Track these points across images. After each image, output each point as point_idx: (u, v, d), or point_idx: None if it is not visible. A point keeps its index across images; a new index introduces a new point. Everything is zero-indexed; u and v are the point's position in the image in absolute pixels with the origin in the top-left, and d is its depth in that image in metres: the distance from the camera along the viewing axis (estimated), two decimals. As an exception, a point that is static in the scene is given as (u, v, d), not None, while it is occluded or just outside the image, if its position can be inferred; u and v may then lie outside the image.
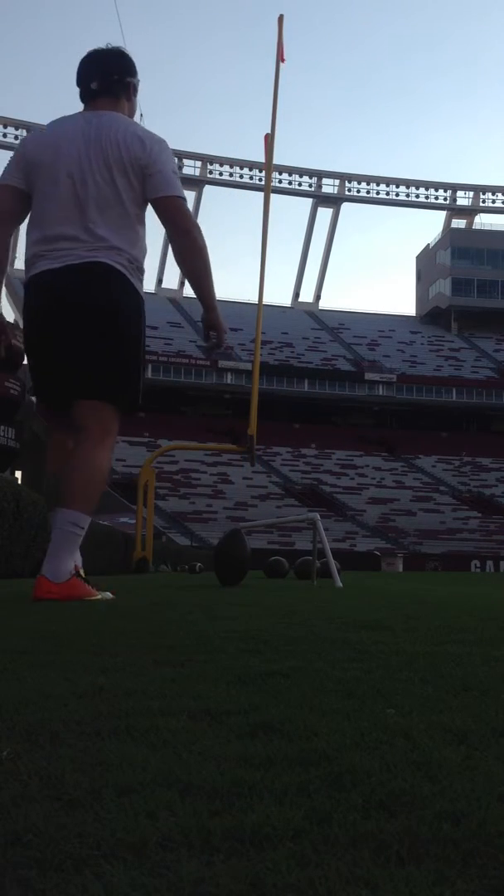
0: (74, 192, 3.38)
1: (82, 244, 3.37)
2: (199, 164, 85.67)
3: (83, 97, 3.70)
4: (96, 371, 3.57)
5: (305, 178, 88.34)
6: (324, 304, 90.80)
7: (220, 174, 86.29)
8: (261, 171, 78.70)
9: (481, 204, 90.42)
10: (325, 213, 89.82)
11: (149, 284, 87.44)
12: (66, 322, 3.43)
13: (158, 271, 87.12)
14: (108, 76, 3.65)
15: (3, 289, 3.81)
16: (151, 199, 3.54)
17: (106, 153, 3.42)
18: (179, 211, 3.57)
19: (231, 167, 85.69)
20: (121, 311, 3.55)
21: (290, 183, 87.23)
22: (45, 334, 3.49)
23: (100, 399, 3.63)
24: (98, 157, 3.42)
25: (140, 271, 3.69)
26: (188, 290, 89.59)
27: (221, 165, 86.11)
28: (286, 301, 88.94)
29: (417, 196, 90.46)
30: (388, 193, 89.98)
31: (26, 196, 3.52)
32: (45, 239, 3.42)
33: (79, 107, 3.82)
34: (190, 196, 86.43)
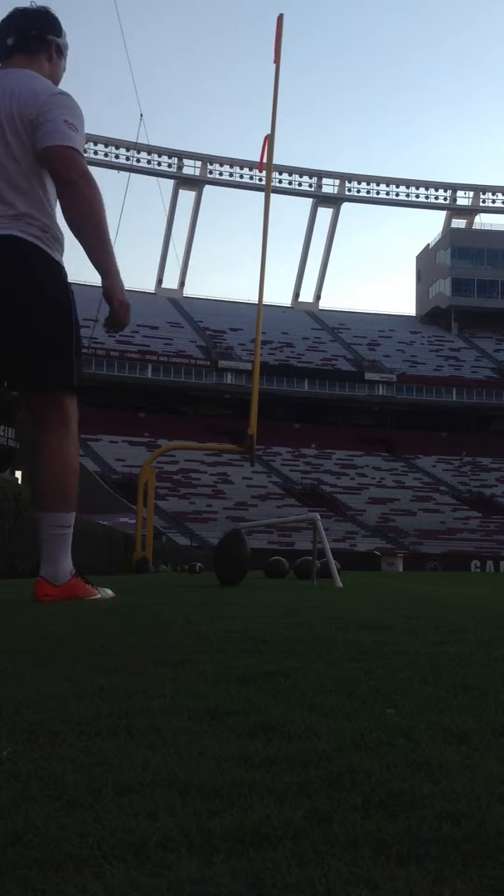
0: None
1: None
2: (199, 164, 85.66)
3: (0, 55, 3.47)
4: (36, 360, 3.30)
5: (305, 178, 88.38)
6: (324, 304, 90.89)
7: (220, 174, 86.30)
8: (259, 172, 78.75)
9: (481, 204, 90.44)
10: (325, 213, 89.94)
11: (149, 284, 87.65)
12: None
13: (158, 271, 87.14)
14: (24, 32, 3.45)
15: None
16: (39, 153, 3.16)
17: (11, 119, 3.18)
18: (64, 159, 3.13)
19: (231, 167, 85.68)
20: (45, 291, 3.27)
21: (290, 183, 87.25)
22: None
23: (47, 388, 3.41)
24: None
25: (57, 241, 3.34)
26: (188, 290, 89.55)
27: (221, 165, 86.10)
28: (286, 301, 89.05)
29: (417, 196, 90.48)
30: (388, 193, 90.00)
31: None
32: None
33: None
34: (190, 196, 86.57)
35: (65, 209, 3.24)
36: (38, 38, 3.48)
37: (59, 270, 3.33)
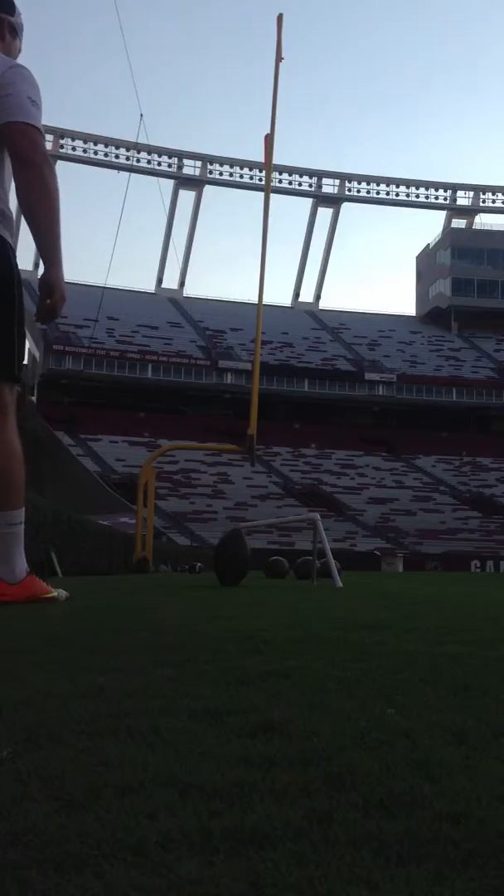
0: None
1: None
2: (199, 164, 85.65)
3: None
4: None
5: (305, 178, 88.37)
6: (324, 304, 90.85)
7: (220, 174, 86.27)
8: (261, 171, 78.67)
9: (481, 204, 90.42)
10: (325, 213, 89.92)
11: (149, 284, 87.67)
12: None
13: (158, 271, 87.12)
14: None
15: None
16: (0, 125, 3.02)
17: None
18: (27, 139, 3.02)
19: (231, 167, 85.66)
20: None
21: (290, 183, 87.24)
22: None
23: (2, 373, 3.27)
24: None
25: (6, 218, 3.19)
26: (188, 290, 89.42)
27: (221, 165, 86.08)
28: (286, 301, 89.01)
29: (417, 196, 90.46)
30: (388, 193, 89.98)
31: None
32: None
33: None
34: (189, 196, 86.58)
35: (21, 190, 3.12)
36: None
37: (6, 249, 3.17)
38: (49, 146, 79.52)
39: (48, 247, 3.12)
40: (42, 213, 3.08)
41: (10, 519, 3.43)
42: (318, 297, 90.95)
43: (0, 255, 3.16)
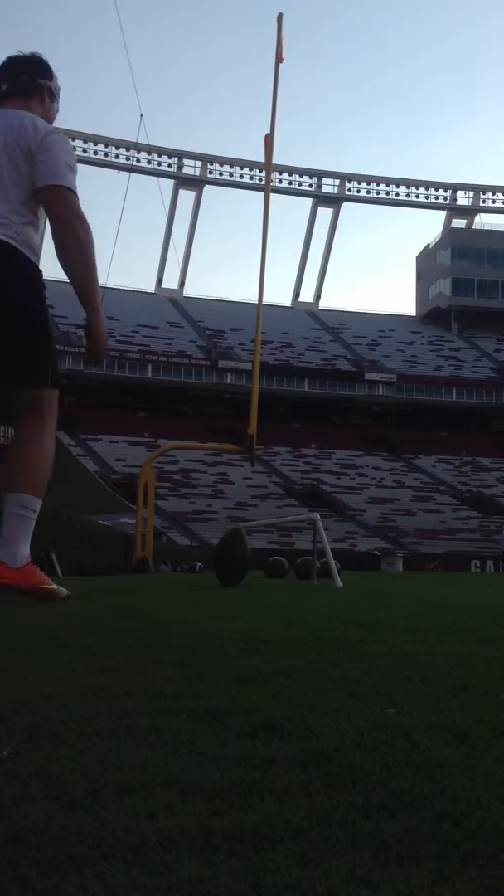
0: None
1: None
2: (199, 164, 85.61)
3: None
4: (14, 359, 3.45)
5: (305, 178, 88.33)
6: (324, 304, 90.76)
7: (220, 174, 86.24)
8: (261, 171, 78.61)
9: (481, 204, 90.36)
10: (325, 213, 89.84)
11: (149, 284, 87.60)
12: None
13: (158, 271, 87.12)
14: (17, 77, 3.68)
15: None
16: (37, 190, 3.39)
17: (3, 144, 3.38)
18: (62, 200, 3.38)
19: (231, 167, 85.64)
20: (22, 293, 3.41)
21: (290, 183, 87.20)
22: None
23: (31, 385, 3.54)
24: None
25: (31, 249, 3.47)
26: (188, 290, 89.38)
27: (221, 165, 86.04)
28: (286, 301, 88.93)
29: (417, 196, 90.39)
30: (388, 193, 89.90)
31: None
32: None
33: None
34: (189, 196, 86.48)
35: (58, 245, 3.42)
36: (30, 83, 3.69)
37: (36, 272, 3.47)
38: (49, 146, 79.65)
39: (86, 295, 3.43)
40: (78, 265, 3.40)
41: (26, 502, 3.57)
42: (318, 297, 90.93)
43: (33, 282, 3.46)
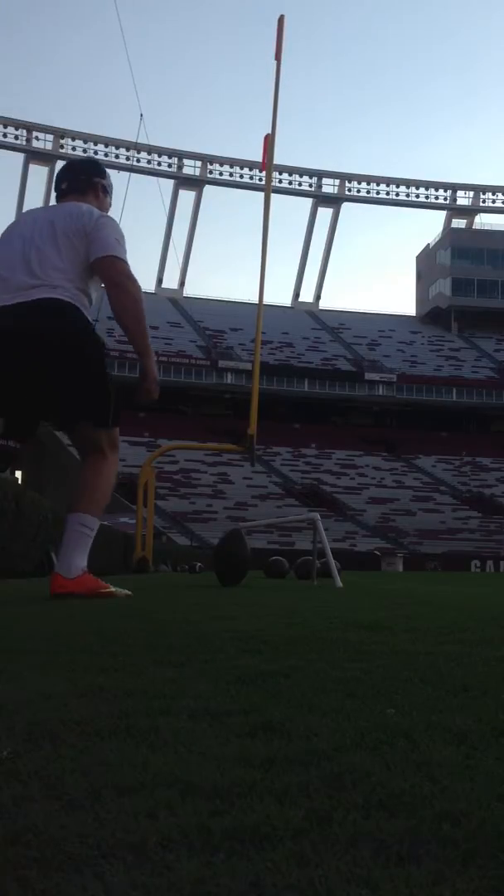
0: (24, 250, 3.87)
1: (31, 287, 3.79)
2: (199, 164, 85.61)
3: (57, 198, 4.28)
4: (78, 403, 3.97)
5: (305, 178, 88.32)
6: (324, 304, 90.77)
7: (220, 174, 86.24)
8: (261, 171, 78.65)
9: (481, 204, 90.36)
10: (325, 213, 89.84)
11: (149, 284, 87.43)
12: (31, 355, 3.72)
13: (158, 271, 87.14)
14: (75, 176, 4.29)
15: None
16: (92, 262, 3.92)
17: (55, 221, 3.97)
18: (114, 267, 3.93)
19: (231, 167, 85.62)
20: (84, 347, 3.92)
21: (290, 183, 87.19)
22: (8, 367, 3.75)
23: (95, 426, 4.03)
24: (47, 223, 3.96)
25: (86, 308, 3.99)
26: (188, 290, 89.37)
27: (221, 165, 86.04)
28: (286, 301, 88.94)
29: (417, 196, 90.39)
30: (388, 193, 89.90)
31: None
32: (5, 286, 3.81)
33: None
34: (189, 196, 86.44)
35: (113, 304, 3.93)
36: (86, 181, 4.28)
37: (92, 328, 3.97)
38: (49, 146, 79.72)
39: (139, 344, 3.99)
40: (131, 320, 3.95)
41: (84, 521, 4.08)
42: (318, 297, 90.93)
43: (93, 338, 3.96)
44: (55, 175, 4.43)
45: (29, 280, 3.78)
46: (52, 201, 4.49)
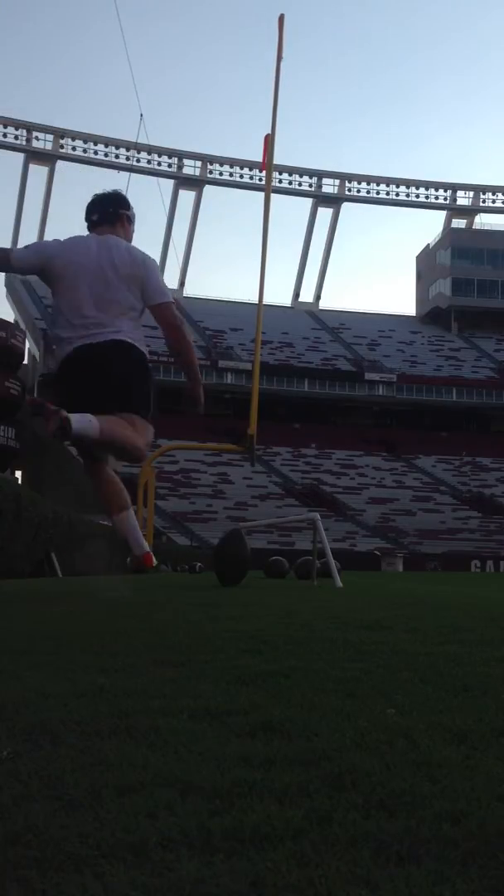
0: (94, 297, 4.66)
1: (106, 329, 4.67)
2: (199, 164, 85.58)
3: (89, 227, 4.99)
4: (132, 398, 4.77)
5: (305, 178, 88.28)
6: (324, 304, 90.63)
7: (220, 174, 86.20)
8: (261, 171, 78.60)
9: (481, 204, 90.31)
10: (325, 213, 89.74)
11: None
12: (104, 376, 4.67)
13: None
14: (104, 209, 4.93)
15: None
16: (148, 306, 4.74)
17: (110, 265, 4.65)
18: (170, 312, 4.75)
19: (231, 167, 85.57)
20: (142, 374, 4.83)
21: (290, 183, 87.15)
22: (87, 382, 4.64)
23: (139, 413, 4.74)
24: (107, 267, 4.67)
25: (141, 343, 4.83)
26: (188, 290, 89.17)
27: (221, 165, 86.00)
28: (286, 301, 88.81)
29: (417, 196, 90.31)
30: (388, 193, 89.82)
31: (34, 270, 4.86)
32: (81, 325, 4.69)
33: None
34: (189, 196, 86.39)
35: (172, 345, 4.86)
36: (114, 214, 4.93)
37: (147, 357, 4.89)
38: (49, 146, 79.69)
39: (190, 372, 4.88)
40: (185, 354, 4.89)
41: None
42: (318, 297, 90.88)
43: (147, 364, 4.82)
44: (86, 206, 5.10)
45: (101, 321, 4.67)
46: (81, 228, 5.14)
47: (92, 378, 4.73)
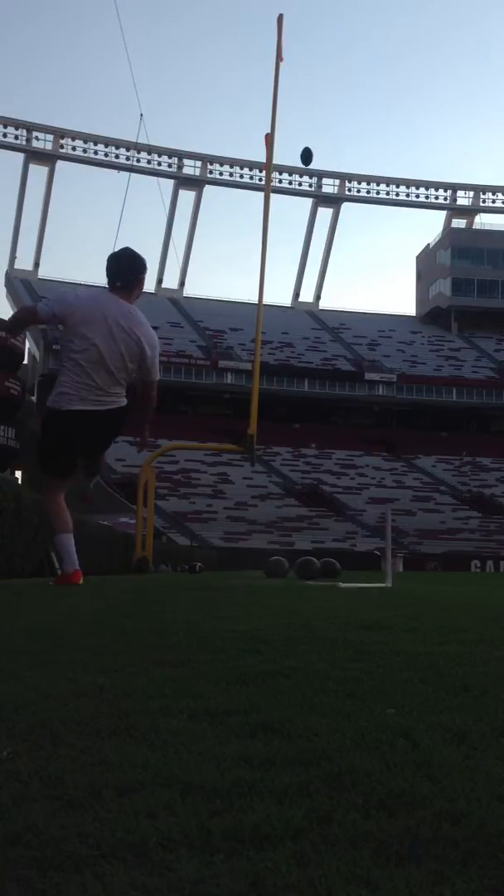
0: (108, 367, 5.55)
1: (109, 396, 5.62)
2: (199, 164, 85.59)
3: (110, 288, 5.66)
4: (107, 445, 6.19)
5: (305, 178, 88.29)
6: (324, 304, 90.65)
7: (220, 174, 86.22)
8: (261, 171, 78.55)
9: (481, 204, 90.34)
10: (325, 213, 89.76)
11: (149, 285, 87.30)
12: (95, 433, 5.76)
13: (158, 271, 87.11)
14: (125, 277, 5.65)
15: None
16: (144, 381, 5.74)
17: (127, 347, 5.54)
18: (154, 388, 5.86)
19: (231, 167, 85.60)
20: (122, 425, 5.89)
21: (290, 183, 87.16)
22: (78, 440, 5.67)
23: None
24: (120, 349, 5.53)
25: (126, 402, 5.80)
26: (188, 290, 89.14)
27: (221, 165, 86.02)
28: (286, 301, 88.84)
29: (417, 196, 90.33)
30: (388, 193, 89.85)
31: (50, 321, 5.75)
32: (90, 387, 5.55)
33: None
34: (189, 196, 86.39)
35: (141, 401, 5.85)
36: (134, 280, 5.72)
37: (126, 413, 5.81)
38: (49, 146, 79.70)
39: (146, 418, 5.94)
40: (148, 409, 5.92)
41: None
42: (318, 297, 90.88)
43: (124, 420, 5.83)
44: (108, 266, 5.71)
45: (110, 391, 5.63)
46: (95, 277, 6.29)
47: (92, 436, 5.82)
